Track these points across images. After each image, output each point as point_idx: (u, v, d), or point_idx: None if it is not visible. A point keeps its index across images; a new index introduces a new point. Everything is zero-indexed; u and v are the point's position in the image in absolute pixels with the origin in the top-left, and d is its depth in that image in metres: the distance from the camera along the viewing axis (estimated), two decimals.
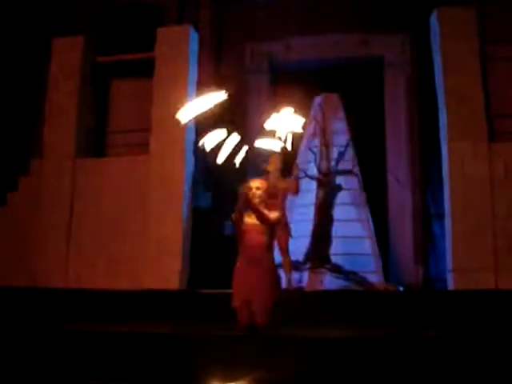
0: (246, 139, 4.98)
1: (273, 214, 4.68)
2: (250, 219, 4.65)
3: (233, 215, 4.61)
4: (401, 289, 7.03)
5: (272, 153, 6.19)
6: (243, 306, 4.53)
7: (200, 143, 4.69)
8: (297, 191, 6.45)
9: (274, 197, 6.17)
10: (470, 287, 6.09)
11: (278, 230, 6.15)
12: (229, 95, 4.30)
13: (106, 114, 8.00)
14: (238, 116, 8.33)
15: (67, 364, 4.04)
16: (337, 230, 7.18)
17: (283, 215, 6.32)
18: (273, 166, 6.41)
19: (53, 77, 7.65)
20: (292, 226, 6.53)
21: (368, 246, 7.33)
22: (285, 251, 6.34)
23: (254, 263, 4.54)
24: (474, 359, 3.80)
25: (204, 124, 5.48)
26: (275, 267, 4.76)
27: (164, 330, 5.19)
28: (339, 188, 7.40)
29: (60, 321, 5.82)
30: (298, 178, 6.49)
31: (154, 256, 6.78)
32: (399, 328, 5.11)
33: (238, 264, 4.67)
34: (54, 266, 7.01)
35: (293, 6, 8.36)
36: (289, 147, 5.06)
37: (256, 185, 4.72)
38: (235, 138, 4.82)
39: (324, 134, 7.60)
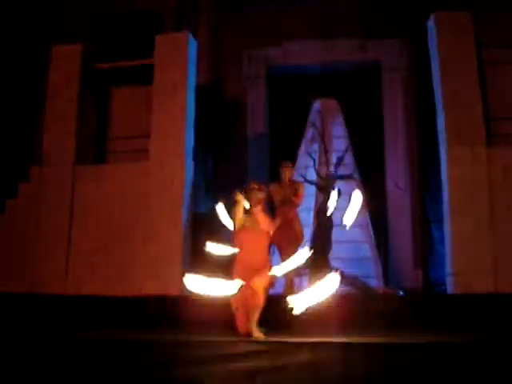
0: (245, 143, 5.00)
1: (273, 223, 4.70)
2: (250, 223, 4.66)
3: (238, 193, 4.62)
4: (400, 293, 7.02)
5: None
6: (241, 311, 4.53)
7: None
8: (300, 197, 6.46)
9: (284, 204, 6.24)
10: (469, 291, 6.09)
11: (288, 240, 6.17)
12: None
13: (105, 120, 8.03)
14: (236, 122, 8.40)
15: (67, 371, 4.04)
16: (336, 234, 7.18)
17: (297, 227, 6.34)
18: (286, 175, 6.46)
19: (52, 84, 7.67)
20: None
21: (367, 250, 7.34)
22: None
23: (253, 269, 4.54)
24: (473, 363, 3.80)
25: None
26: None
27: (164, 335, 5.18)
28: (338, 193, 7.41)
29: (60, 327, 5.82)
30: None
31: (154, 262, 6.78)
32: (399, 332, 5.10)
33: (235, 268, 4.67)
34: (53, 273, 7.01)
35: (290, 11, 8.40)
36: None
37: (258, 186, 4.76)
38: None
39: (323, 139, 7.62)
